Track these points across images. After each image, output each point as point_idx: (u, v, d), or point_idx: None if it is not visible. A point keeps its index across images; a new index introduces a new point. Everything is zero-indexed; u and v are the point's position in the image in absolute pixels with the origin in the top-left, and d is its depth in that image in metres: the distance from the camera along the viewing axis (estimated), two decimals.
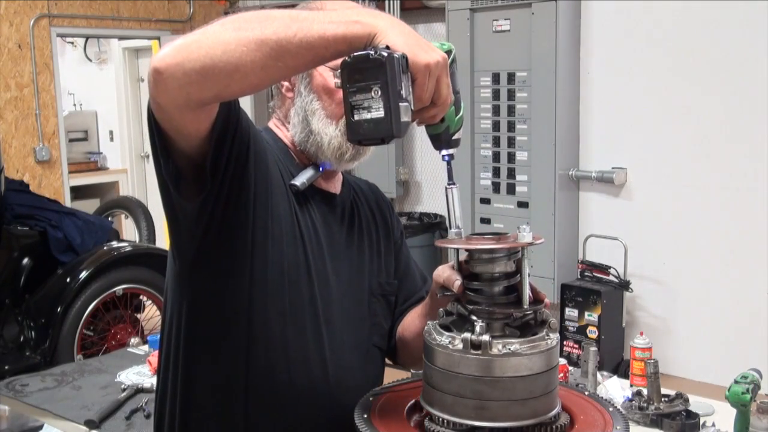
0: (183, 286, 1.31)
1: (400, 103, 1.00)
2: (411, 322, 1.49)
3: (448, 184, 1.22)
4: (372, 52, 0.99)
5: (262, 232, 1.26)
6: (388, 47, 1.00)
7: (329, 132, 1.35)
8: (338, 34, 1.00)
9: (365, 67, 1.00)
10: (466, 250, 1.16)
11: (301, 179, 1.35)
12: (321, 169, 1.39)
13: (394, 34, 1.02)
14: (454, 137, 1.19)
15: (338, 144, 1.35)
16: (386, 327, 1.50)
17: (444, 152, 1.20)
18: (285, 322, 1.30)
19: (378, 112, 1.00)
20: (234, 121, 1.18)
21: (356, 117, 1.01)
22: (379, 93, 0.99)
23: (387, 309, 1.50)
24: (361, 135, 1.02)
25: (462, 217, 1.21)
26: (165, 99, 1.06)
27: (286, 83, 1.40)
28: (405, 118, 1.01)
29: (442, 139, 1.19)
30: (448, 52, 1.13)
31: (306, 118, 1.36)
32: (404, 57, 1.01)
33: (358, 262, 1.45)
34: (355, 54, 1.01)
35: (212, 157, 1.16)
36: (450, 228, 1.19)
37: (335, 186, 1.46)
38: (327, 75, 1.34)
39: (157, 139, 1.14)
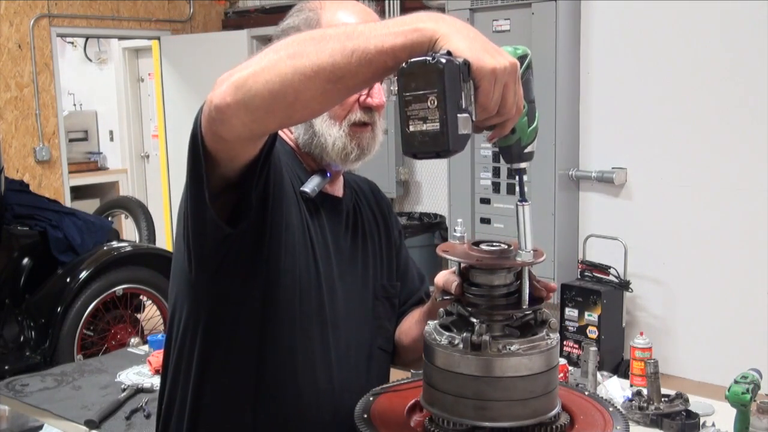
0: (200, 295, 1.29)
1: (459, 115, 0.92)
2: (409, 327, 1.49)
3: (520, 201, 1.10)
4: (429, 59, 0.92)
5: (276, 241, 1.25)
6: (449, 53, 0.92)
7: (333, 133, 1.33)
8: (397, 45, 0.94)
9: (421, 74, 0.92)
10: (467, 266, 1.16)
11: (310, 186, 1.34)
12: (328, 175, 1.38)
13: (458, 39, 0.94)
14: (527, 150, 1.08)
15: (342, 145, 1.33)
16: (391, 329, 1.50)
17: (515, 166, 1.09)
18: (294, 328, 1.30)
19: (434, 124, 0.92)
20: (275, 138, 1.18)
21: (411, 128, 0.93)
22: (435, 103, 0.91)
23: (391, 311, 1.50)
24: (415, 148, 0.94)
25: (533, 238, 1.09)
26: (229, 135, 1.05)
27: None
28: (464, 130, 0.93)
29: (513, 152, 1.07)
30: (523, 57, 1.05)
31: (310, 121, 1.34)
32: (466, 63, 0.92)
33: (362, 265, 1.45)
34: (412, 60, 0.93)
35: (258, 175, 1.16)
36: (522, 248, 1.10)
37: (338, 189, 1.46)
38: None
39: (204, 165, 1.12)
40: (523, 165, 1.09)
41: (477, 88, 0.94)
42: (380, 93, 1.35)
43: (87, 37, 7.86)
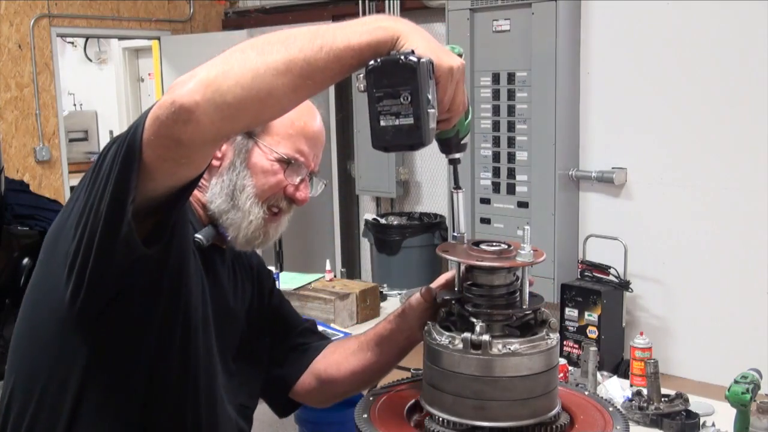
0: (77, 337, 1.14)
1: (429, 110, 0.98)
2: (345, 358, 1.45)
3: (454, 188, 1.20)
4: (402, 57, 0.97)
5: (177, 275, 1.18)
6: (413, 52, 0.98)
7: (254, 212, 1.32)
8: (363, 42, 0.98)
9: (394, 72, 0.97)
10: (468, 266, 1.16)
11: (204, 234, 1.32)
12: (221, 230, 1.35)
13: (417, 38, 0.99)
14: (463, 142, 1.17)
15: (255, 227, 1.32)
16: (256, 387, 1.48)
17: (451, 156, 1.17)
18: (186, 382, 1.24)
19: (407, 119, 0.97)
20: None
21: (383, 123, 0.98)
22: (409, 99, 0.97)
23: (257, 368, 1.47)
24: (387, 141, 0.99)
25: (465, 220, 1.20)
26: (194, 136, 0.99)
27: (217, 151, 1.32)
28: (432, 124, 0.99)
29: (451, 143, 1.16)
30: (459, 56, 1.11)
31: (234, 192, 1.32)
32: (431, 62, 0.98)
33: (238, 320, 1.43)
34: (384, 58, 0.98)
35: (187, 195, 1.11)
36: (453, 230, 1.18)
37: (220, 240, 1.40)
38: (266, 158, 1.32)
39: (136, 178, 1.03)
40: (458, 155, 1.17)
41: (436, 84, 1.00)
42: (307, 189, 1.36)
43: (87, 37, 7.86)
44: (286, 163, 1.33)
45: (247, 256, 1.51)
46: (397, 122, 0.98)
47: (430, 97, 0.98)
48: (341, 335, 2.82)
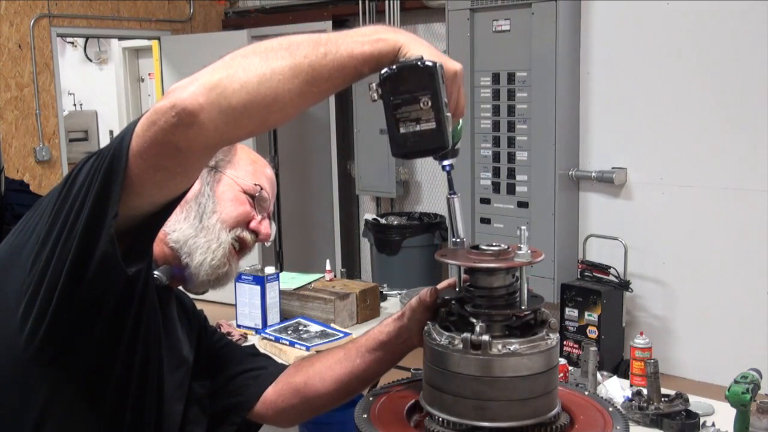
0: (34, 377, 1.09)
1: (447, 113, 0.97)
2: (327, 368, 1.40)
3: (450, 194, 1.19)
4: (419, 62, 0.95)
5: (140, 307, 1.14)
6: (422, 57, 0.96)
7: (222, 236, 1.33)
8: (366, 52, 0.97)
9: (412, 78, 0.95)
10: (468, 270, 1.16)
11: (162, 272, 1.30)
12: (176, 270, 1.34)
13: (418, 47, 0.98)
14: (456, 147, 1.15)
15: (223, 252, 1.32)
16: (202, 429, 1.44)
17: (445, 162, 1.16)
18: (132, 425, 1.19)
19: (429, 124, 0.96)
20: None
21: (403, 130, 0.97)
22: (429, 104, 0.95)
23: (201, 414, 1.44)
24: (408, 148, 0.97)
25: (464, 226, 1.20)
26: (196, 142, 0.95)
27: None
28: (450, 127, 0.98)
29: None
30: None
31: (202, 216, 1.32)
32: (442, 66, 0.97)
33: (188, 365, 1.41)
34: (399, 64, 0.96)
35: (168, 214, 1.08)
36: (452, 236, 1.17)
37: (175, 280, 1.39)
38: (233, 188, 1.35)
39: (120, 189, 0.98)
40: (452, 161, 1.16)
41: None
42: (269, 226, 1.39)
43: (87, 37, 7.86)
44: (251, 196, 1.37)
45: (183, 299, 1.49)
46: (418, 128, 0.96)
47: (446, 100, 0.97)
48: (341, 335, 2.82)
